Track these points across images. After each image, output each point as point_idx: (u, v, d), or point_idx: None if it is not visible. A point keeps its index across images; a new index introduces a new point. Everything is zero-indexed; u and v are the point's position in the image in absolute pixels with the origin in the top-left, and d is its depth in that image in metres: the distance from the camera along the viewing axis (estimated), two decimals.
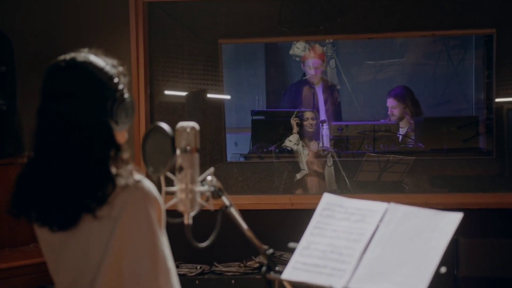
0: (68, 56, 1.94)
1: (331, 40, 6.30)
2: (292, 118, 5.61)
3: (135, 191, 1.87)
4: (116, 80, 1.94)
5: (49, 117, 1.89)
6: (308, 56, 5.91)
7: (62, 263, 1.94)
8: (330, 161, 5.36)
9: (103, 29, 4.62)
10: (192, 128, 1.90)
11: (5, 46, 4.30)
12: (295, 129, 5.58)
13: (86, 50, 1.97)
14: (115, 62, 1.99)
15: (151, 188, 1.91)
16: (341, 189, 5.15)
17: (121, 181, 1.87)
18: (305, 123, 5.67)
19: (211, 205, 1.95)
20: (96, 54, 1.97)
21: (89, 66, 1.91)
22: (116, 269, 1.87)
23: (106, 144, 1.89)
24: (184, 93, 5.08)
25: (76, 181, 1.85)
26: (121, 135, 1.97)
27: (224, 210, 2.03)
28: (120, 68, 1.99)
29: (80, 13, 4.66)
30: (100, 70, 1.92)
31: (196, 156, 1.90)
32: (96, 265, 1.87)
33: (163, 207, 1.95)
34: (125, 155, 1.93)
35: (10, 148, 4.28)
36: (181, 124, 1.92)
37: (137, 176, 1.90)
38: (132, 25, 4.57)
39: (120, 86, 1.94)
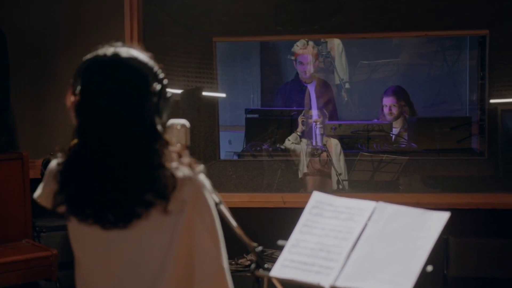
0: (109, 51, 1.86)
1: (326, 40, 6.31)
2: (300, 116, 5.60)
3: (196, 184, 1.85)
4: (161, 75, 1.89)
5: (96, 113, 1.82)
6: (300, 53, 5.91)
7: (109, 263, 1.88)
8: (324, 160, 5.38)
9: (98, 26, 4.62)
10: (183, 126, 1.92)
11: None
12: (300, 127, 5.58)
13: (120, 43, 1.90)
14: (152, 56, 1.92)
15: (205, 179, 1.89)
16: (334, 189, 5.16)
17: (179, 174, 1.83)
18: (309, 121, 5.66)
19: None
20: (135, 49, 1.90)
21: (134, 62, 1.85)
22: (183, 263, 1.85)
23: (158, 139, 1.83)
24: (178, 91, 5.08)
25: (132, 177, 1.79)
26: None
27: None
28: (159, 64, 1.93)
29: (75, 9, 4.66)
30: (145, 65, 1.86)
31: (186, 154, 1.92)
32: (158, 262, 1.84)
33: (215, 199, 1.95)
34: (177, 148, 1.89)
35: (3, 144, 4.28)
36: (172, 121, 1.93)
37: (195, 169, 1.87)
38: (126, 22, 4.58)
39: (165, 81, 1.90)
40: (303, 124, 5.59)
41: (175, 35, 4.99)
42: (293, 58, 6.13)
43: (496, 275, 4.10)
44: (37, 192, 1.99)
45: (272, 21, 5.00)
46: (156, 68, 1.89)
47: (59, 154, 1.89)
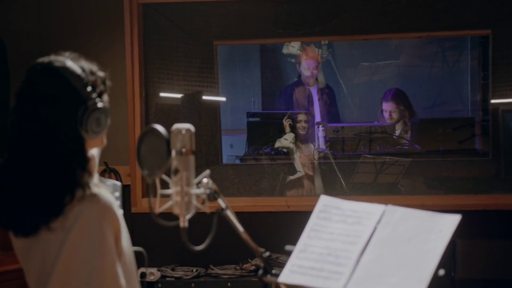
0: (46, 59, 1.92)
1: (327, 42, 6.29)
2: (284, 119, 5.60)
3: (90, 204, 1.85)
4: (89, 88, 1.90)
5: (19, 120, 1.87)
6: (303, 57, 5.90)
7: (27, 268, 1.96)
8: (326, 163, 5.35)
9: (98, 31, 4.60)
10: (187, 130, 1.88)
11: None
12: (288, 130, 5.57)
13: (67, 54, 1.94)
14: (95, 68, 1.95)
15: (108, 203, 1.88)
16: (337, 191, 5.13)
17: (79, 193, 1.84)
18: (297, 125, 5.65)
19: (207, 208, 1.93)
20: (76, 59, 1.94)
21: (64, 72, 1.88)
22: (63, 281, 1.85)
23: (72, 153, 1.86)
24: (179, 95, 5.06)
25: (36, 189, 1.83)
26: (98, 141, 1.95)
27: (220, 212, 2.01)
28: (101, 74, 1.96)
29: (74, 14, 4.64)
30: (75, 76, 1.88)
31: (192, 158, 1.89)
32: (47, 275, 1.86)
33: (123, 223, 1.93)
34: (92, 166, 1.91)
35: (3, 150, 4.24)
36: (176, 126, 1.90)
37: (97, 189, 1.87)
38: (126, 26, 4.55)
39: (93, 95, 1.90)
40: (290, 127, 5.58)
41: (175, 39, 4.97)
42: (293, 60, 6.12)
43: (504, 277, 4.07)
44: None
45: (272, 24, 4.97)
46: (87, 80, 1.90)
47: None
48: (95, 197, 1.85)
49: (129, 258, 1.99)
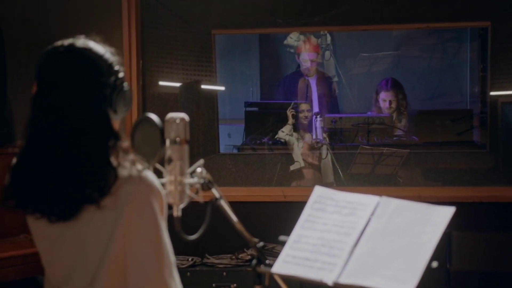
0: (66, 42, 1.88)
1: (326, 32, 6.27)
2: (288, 109, 5.58)
3: (139, 182, 1.82)
4: (116, 67, 1.89)
5: (47, 105, 1.83)
6: (303, 48, 5.88)
7: (58, 254, 1.89)
8: (324, 154, 5.35)
9: (95, 19, 4.58)
10: (182, 119, 1.88)
11: None
12: (291, 120, 5.56)
13: (83, 36, 1.92)
14: (113, 50, 1.93)
15: (154, 180, 1.86)
16: (336, 182, 5.13)
17: (123, 172, 1.81)
18: (300, 115, 5.64)
19: (200, 197, 1.92)
20: (94, 41, 1.92)
21: (88, 53, 1.86)
22: (120, 260, 1.82)
23: (105, 133, 1.83)
24: (177, 84, 5.04)
25: (76, 171, 1.79)
26: (117, 123, 1.92)
27: (214, 202, 2.01)
28: (117, 57, 1.94)
29: (72, 3, 4.62)
30: (100, 57, 1.87)
31: (186, 148, 1.88)
32: (99, 256, 1.83)
33: (165, 199, 1.90)
34: (125, 144, 1.87)
35: (0, 138, 4.24)
36: (171, 115, 1.90)
37: (140, 167, 1.84)
38: (124, 15, 4.53)
39: (120, 74, 1.89)
40: (293, 118, 5.57)
41: (173, 28, 4.95)
42: (292, 50, 6.10)
43: (499, 269, 4.08)
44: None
45: (271, 14, 4.95)
46: (111, 60, 1.89)
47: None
48: (142, 176, 1.83)
49: None
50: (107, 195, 1.79)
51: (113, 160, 1.81)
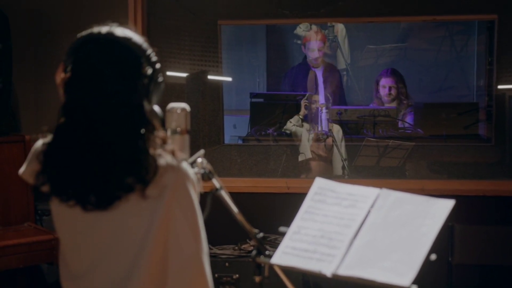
0: (103, 30, 1.85)
1: (333, 24, 6.26)
2: (303, 100, 5.56)
3: (178, 172, 1.81)
4: (153, 58, 1.87)
5: (87, 91, 1.79)
6: (309, 38, 5.86)
7: (86, 242, 1.86)
8: (330, 145, 5.34)
9: (101, 8, 4.57)
10: (183, 110, 1.88)
11: (1, 22, 4.23)
12: (303, 111, 5.54)
13: (114, 24, 1.89)
14: (146, 39, 1.90)
15: (190, 172, 1.85)
16: (339, 174, 5.13)
17: (162, 161, 1.80)
18: (312, 106, 5.62)
19: (201, 188, 1.93)
20: (130, 30, 1.89)
21: (129, 42, 1.84)
22: (160, 248, 1.82)
23: (144, 122, 1.80)
24: (183, 74, 5.05)
25: (116, 160, 1.77)
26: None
27: (214, 192, 2.02)
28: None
29: None
30: (139, 47, 1.85)
31: (187, 138, 1.89)
32: (137, 245, 1.81)
33: (197, 188, 1.90)
34: (162, 134, 1.85)
35: (5, 127, 4.25)
36: (172, 105, 1.90)
37: (179, 157, 1.84)
38: (130, 4, 4.53)
39: (157, 65, 1.87)
40: (306, 108, 5.55)
41: (179, 18, 4.94)
42: (299, 42, 6.08)
43: (501, 263, 4.07)
44: (22, 169, 1.98)
45: (278, 4, 4.94)
46: (149, 51, 1.86)
47: (47, 134, 1.86)
48: (180, 165, 1.82)
49: None
50: (148, 185, 1.77)
51: (152, 150, 1.79)
